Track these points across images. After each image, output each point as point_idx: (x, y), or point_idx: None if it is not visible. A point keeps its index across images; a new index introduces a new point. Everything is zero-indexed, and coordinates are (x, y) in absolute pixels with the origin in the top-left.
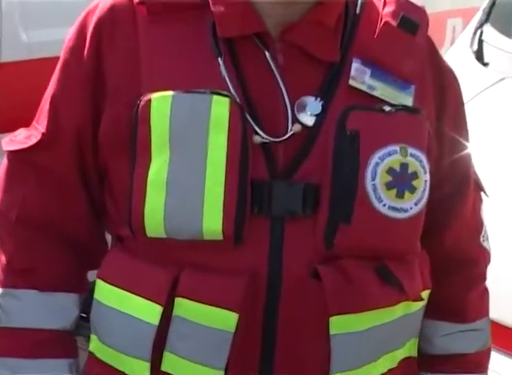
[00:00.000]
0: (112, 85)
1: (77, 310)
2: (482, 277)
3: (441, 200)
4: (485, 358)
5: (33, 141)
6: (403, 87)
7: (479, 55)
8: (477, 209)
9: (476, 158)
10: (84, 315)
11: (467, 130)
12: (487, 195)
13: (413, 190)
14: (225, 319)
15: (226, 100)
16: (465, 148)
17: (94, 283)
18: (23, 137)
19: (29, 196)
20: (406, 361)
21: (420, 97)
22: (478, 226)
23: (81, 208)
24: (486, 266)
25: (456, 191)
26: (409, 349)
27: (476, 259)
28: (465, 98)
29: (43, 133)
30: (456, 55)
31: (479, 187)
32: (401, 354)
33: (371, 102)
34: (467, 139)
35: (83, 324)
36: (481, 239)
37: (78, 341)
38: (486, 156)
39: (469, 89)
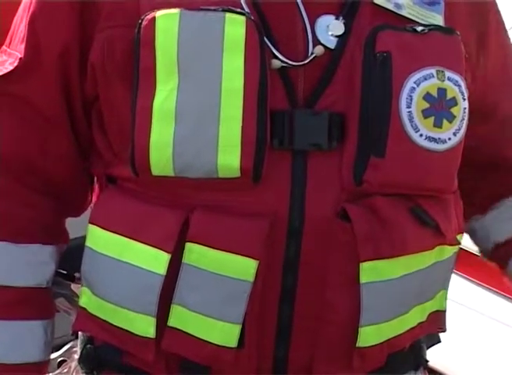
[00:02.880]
0: (106, 3)
1: (54, 264)
2: None
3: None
4: None
5: (8, 68)
6: (431, 3)
7: None
8: None
9: None
10: (64, 271)
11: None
12: None
13: (451, 118)
14: (243, 267)
15: (242, 18)
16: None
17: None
18: None
19: (3, 132)
20: (435, 315)
21: (449, 17)
22: None
23: (63, 145)
24: None
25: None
26: (439, 302)
27: None
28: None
29: (20, 59)
30: None
31: None
32: (431, 306)
33: (399, 23)
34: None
35: (62, 282)
36: None
37: (58, 302)
38: None
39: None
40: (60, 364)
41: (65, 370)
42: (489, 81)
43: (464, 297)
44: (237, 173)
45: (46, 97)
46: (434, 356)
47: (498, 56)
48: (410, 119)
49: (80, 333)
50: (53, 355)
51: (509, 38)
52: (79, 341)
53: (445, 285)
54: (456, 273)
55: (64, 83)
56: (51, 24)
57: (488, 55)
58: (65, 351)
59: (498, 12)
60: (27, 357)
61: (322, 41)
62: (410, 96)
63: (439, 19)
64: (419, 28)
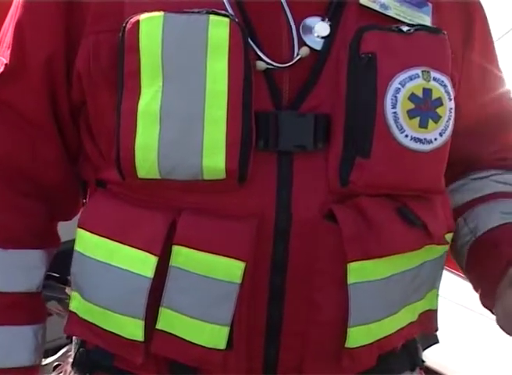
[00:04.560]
0: (90, 8)
1: (45, 268)
2: None
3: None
4: None
5: None
6: (419, 5)
7: None
8: None
9: None
10: (56, 275)
11: (496, 60)
12: None
13: (437, 118)
14: (231, 269)
15: (225, 20)
16: (499, 77)
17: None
18: None
19: None
20: (426, 314)
21: (437, 18)
22: None
23: (52, 151)
24: None
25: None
26: (430, 301)
27: None
28: (502, 29)
29: (6, 65)
30: None
31: None
32: (421, 306)
33: (386, 23)
34: (498, 68)
35: (54, 285)
36: None
37: (50, 304)
38: None
39: (500, 25)
40: (56, 368)
41: (61, 374)
42: (470, 84)
43: (460, 296)
44: (222, 175)
45: (32, 103)
46: (431, 356)
47: (479, 62)
48: (396, 120)
49: (74, 337)
50: (49, 360)
51: (493, 43)
52: (73, 345)
53: (435, 284)
54: (453, 272)
55: (50, 89)
56: (37, 30)
57: (471, 59)
58: (61, 355)
59: (484, 15)
60: (18, 361)
61: (308, 43)
62: (395, 97)
63: (426, 20)
64: (405, 28)
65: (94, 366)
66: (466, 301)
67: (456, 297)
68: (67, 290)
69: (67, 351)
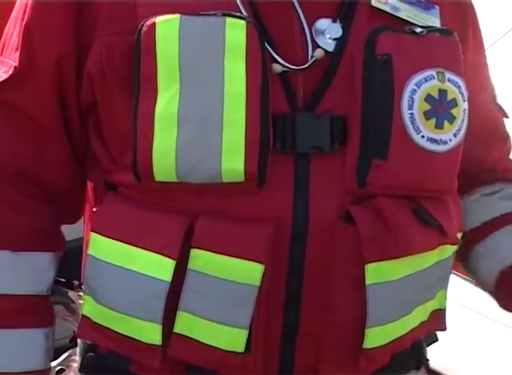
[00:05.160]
0: (101, 10)
1: (54, 271)
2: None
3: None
4: None
5: (3, 76)
6: (427, 8)
7: None
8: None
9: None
10: (62, 279)
11: (486, 60)
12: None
13: (452, 119)
14: (249, 272)
15: (242, 23)
16: (488, 77)
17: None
18: None
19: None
20: (436, 313)
21: (442, 20)
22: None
23: (59, 154)
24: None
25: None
26: (439, 300)
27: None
28: (494, 36)
29: (15, 67)
30: None
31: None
32: (432, 305)
33: (396, 25)
34: (487, 69)
35: (60, 289)
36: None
37: (56, 309)
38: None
39: (500, 25)
40: (59, 373)
41: None
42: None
43: (462, 297)
44: (242, 178)
45: (41, 105)
46: (433, 356)
47: (473, 60)
48: (412, 121)
49: (79, 341)
50: (51, 364)
51: (483, 44)
52: (78, 350)
53: (444, 284)
54: (455, 274)
55: (59, 91)
56: (46, 32)
57: (467, 59)
58: (64, 359)
59: (474, 13)
60: (30, 365)
61: (321, 44)
62: (412, 98)
63: (435, 22)
64: (418, 30)
65: (105, 370)
66: (465, 301)
67: (456, 297)
68: (70, 294)
69: (70, 356)
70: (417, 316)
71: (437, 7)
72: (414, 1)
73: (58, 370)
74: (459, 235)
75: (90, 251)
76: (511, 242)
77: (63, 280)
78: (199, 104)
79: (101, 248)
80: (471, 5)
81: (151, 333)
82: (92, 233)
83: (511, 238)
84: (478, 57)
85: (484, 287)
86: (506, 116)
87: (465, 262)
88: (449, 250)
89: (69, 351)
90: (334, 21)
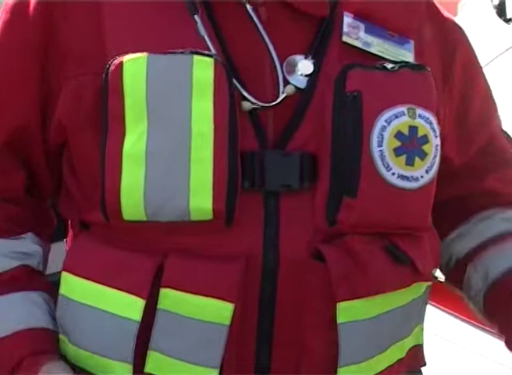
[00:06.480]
0: (69, 50)
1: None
2: None
3: (472, 160)
4: None
5: None
6: (401, 42)
7: (501, 10)
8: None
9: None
10: None
11: (485, 86)
12: None
13: (423, 156)
14: (219, 311)
15: (210, 60)
16: (486, 104)
17: None
18: None
19: None
20: (413, 349)
21: (419, 54)
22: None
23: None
24: None
25: (487, 149)
26: (416, 336)
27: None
28: (483, 61)
29: None
30: (473, 10)
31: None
32: (409, 342)
33: (369, 60)
34: (488, 94)
35: None
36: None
37: None
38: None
39: (488, 50)
40: None
41: None
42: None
43: (440, 329)
44: (210, 216)
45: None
46: None
47: (463, 95)
48: (382, 158)
49: None
50: None
51: (480, 69)
52: None
53: (420, 320)
54: (433, 305)
55: (18, 148)
56: (7, 100)
57: (453, 90)
58: None
59: (467, 43)
60: (36, 322)
61: (292, 81)
62: (382, 135)
63: (409, 57)
64: (389, 66)
65: None
66: (444, 333)
67: (438, 329)
68: None
69: None
70: (394, 354)
71: (412, 41)
72: (387, 36)
73: None
74: (433, 271)
75: (62, 290)
76: (497, 259)
77: None
78: (166, 142)
79: (72, 287)
80: (462, 37)
81: (121, 372)
82: (64, 272)
83: (497, 255)
84: (470, 87)
85: (480, 319)
86: None
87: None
88: (423, 287)
89: None
90: (306, 57)
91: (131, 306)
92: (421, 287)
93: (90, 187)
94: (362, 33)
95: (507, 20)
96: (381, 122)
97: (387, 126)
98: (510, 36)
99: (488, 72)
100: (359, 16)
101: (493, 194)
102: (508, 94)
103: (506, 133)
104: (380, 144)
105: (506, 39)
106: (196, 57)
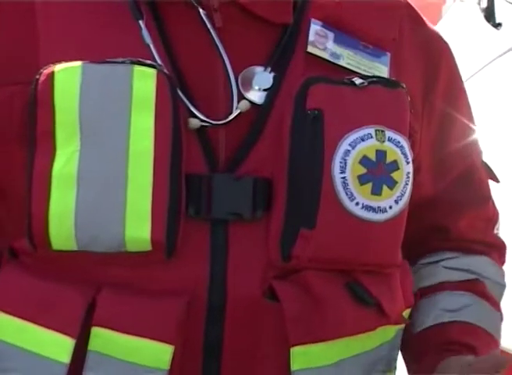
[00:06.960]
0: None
1: None
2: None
3: (446, 191)
4: None
5: None
6: (376, 54)
7: (489, 14)
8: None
9: (484, 142)
10: None
11: (467, 109)
12: (497, 181)
13: (392, 184)
14: (157, 354)
15: (152, 71)
16: (467, 128)
17: None
18: None
19: None
20: None
21: (396, 68)
22: (493, 215)
23: None
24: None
25: (463, 181)
26: None
27: (493, 244)
28: (471, 68)
29: None
30: (460, 15)
31: (489, 174)
32: None
33: (337, 74)
34: (469, 118)
35: None
36: (496, 231)
37: None
38: (494, 140)
39: (476, 58)
40: None
41: None
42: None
43: None
44: (148, 247)
45: None
46: None
47: (443, 109)
48: (345, 186)
49: None
50: None
51: (462, 88)
52: None
53: (389, 366)
54: None
55: None
56: None
57: (433, 108)
58: None
59: (451, 58)
60: None
61: (248, 96)
62: (345, 160)
63: (383, 71)
64: (358, 81)
65: None
66: None
67: None
68: None
69: None
70: None
71: (388, 54)
72: (360, 47)
73: None
74: (406, 312)
75: None
76: (426, 311)
77: None
78: (100, 163)
79: None
80: (447, 49)
81: None
82: None
83: (428, 307)
84: (453, 107)
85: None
86: (494, 178)
87: None
88: (393, 330)
89: None
90: (265, 69)
91: (59, 346)
92: (390, 331)
93: (18, 210)
94: (330, 44)
95: (496, 25)
96: (344, 145)
97: (351, 151)
98: (499, 43)
99: (475, 82)
100: (329, 23)
101: (455, 237)
102: (497, 105)
103: (486, 164)
104: (343, 171)
105: (494, 46)
106: (137, 68)
